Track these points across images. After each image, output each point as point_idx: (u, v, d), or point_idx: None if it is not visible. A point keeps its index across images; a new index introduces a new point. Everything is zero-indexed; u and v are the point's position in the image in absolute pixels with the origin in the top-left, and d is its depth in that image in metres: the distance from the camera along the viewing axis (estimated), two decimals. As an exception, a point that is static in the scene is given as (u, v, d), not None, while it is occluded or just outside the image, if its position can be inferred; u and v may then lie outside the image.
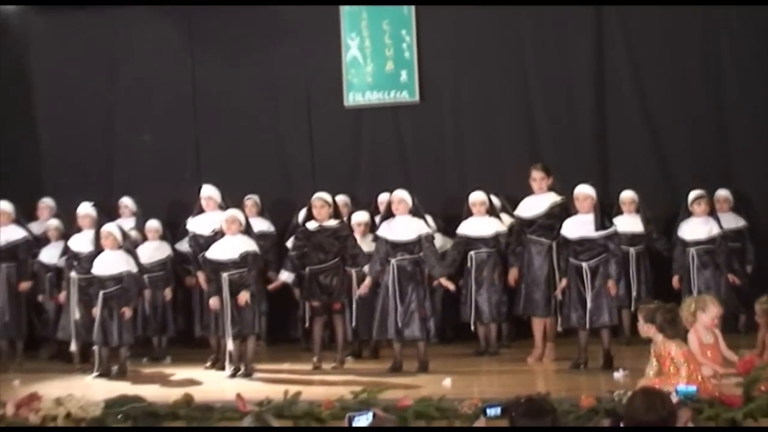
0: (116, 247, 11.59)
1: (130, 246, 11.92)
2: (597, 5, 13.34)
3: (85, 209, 12.41)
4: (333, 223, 11.58)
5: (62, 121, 14.95)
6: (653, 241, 12.32)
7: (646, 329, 8.57)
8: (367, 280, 11.23)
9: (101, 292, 11.44)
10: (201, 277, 11.90)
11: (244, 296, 10.92)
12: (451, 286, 11.20)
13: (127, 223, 12.90)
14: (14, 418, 9.05)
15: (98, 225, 12.02)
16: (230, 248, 11.17)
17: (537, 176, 11.28)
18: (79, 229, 12.39)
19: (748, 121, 12.87)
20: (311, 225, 11.56)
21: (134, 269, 11.62)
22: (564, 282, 10.67)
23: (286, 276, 11.69)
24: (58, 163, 14.84)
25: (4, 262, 12.81)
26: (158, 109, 14.63)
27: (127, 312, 11.45)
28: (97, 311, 11.45)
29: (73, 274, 12.09)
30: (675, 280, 11.92)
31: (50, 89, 15.03)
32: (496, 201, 12.22)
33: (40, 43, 15.04)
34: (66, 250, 12.44)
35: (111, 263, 11.52)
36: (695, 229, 11.94)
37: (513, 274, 11.43)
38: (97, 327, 11.45)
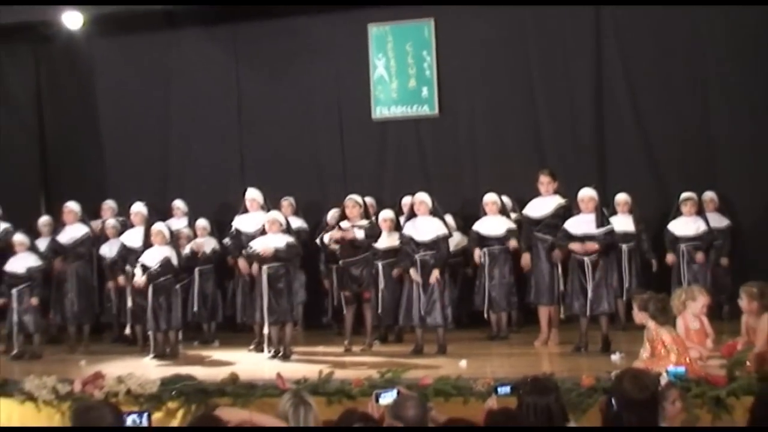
0: (164, 243, 11.63)
1: (176, 242, 12.02)
2: (596, 27, 13.35)
3: (138, 207, 12.51)
4: (363, 222, 11.62)
5: (123, 132, 15.01)
6: (642, 242, 12.30)
7: (640, 317, 8.58)
8: (396, 271, 11.38)
9: (152, 282, 11.50)
10: (242, 263, 11.95)
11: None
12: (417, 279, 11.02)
13: (180, 222, 12.96)
14: (81, 394, 9.11)
15: (149, 223, 12.10)
16: (272, 245, 11.23)
17: (544, 180, 11.28)
18: (132, 226, 12.48)
19: (731, 130, 12.82)
20: (344, 223, 11.59)
21: (175, 261, 11.67)
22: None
23: None
24: (119, 169, 14.89)
25: (72, 257, 12.89)
26: (207, 121, 14.64)
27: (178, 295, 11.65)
28: (148, 300, 11.55)
29: (128, 267, 12.16)
30: (669, 257, 12.01)
31: (113, 104, 15.10)
32: (507, 201, 12.24)
33: (104, 64, 15.10)
34: (121, 246, 12.52)
35: (158, 256, 11.57)
36: (684, 226, 11.99)
37: (525, 259, 11.39)
38: (149, 313, 11.50)
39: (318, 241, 12.26)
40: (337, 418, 6.05)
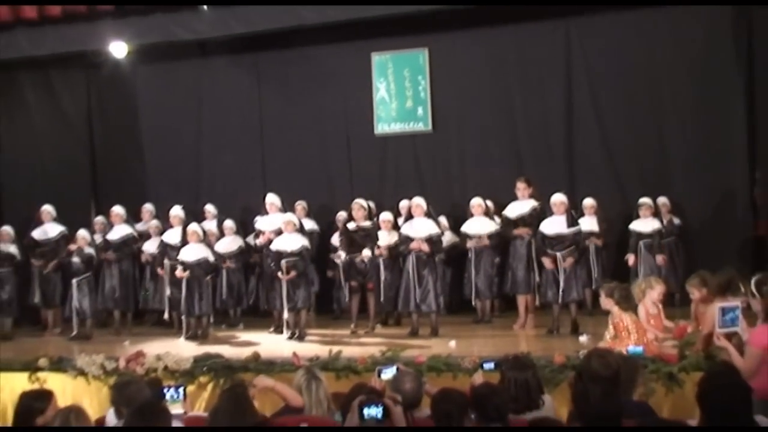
0: (198, 241, 11.67)
1: (208, 241, 12.04)
2: (567, 56, 13.36)
3: (176, 211, 12.49)
4: (367, 223, 11.63)
5: (161, 145, 15.04)
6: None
7: (606, 303, 8.57)
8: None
9: (185, 272, 11.55)
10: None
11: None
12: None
13: (210, 224, 12.94)
14: (125, 370, 9.13)
15: (185, 224, 12.12)
16: (288, 242, 11.24)
17: (521, 186, 11.39)
18: (171, 227, 12.49)
19: (682, 144, 12.81)
20: (351, 225, 11.61)
21: (211, 257, 11.69)
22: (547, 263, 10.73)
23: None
24: (157, 177, 14.92)
25: (117, 252, 12.92)
26: (233, 136, 14.64)
27: (209, 285, 11.65)
28: (183, 289, 11.55)
29: (166, 261, 12.17)
30: (630, 259, 11.97)
31: (152, 121, 15.12)
32: (490, 204, 12.23)
33: (145, 87, 15.13)
34: (162, 243, 12.53)
35: (194, 253, 11.60)
36: (642, 226, 11.99)
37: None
38: (183, 301, 11.53)
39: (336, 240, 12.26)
40: (349, 390, 6.07)
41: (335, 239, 12.21)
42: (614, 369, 5.68)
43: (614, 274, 11.27)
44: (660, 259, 11.86)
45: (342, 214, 12.58)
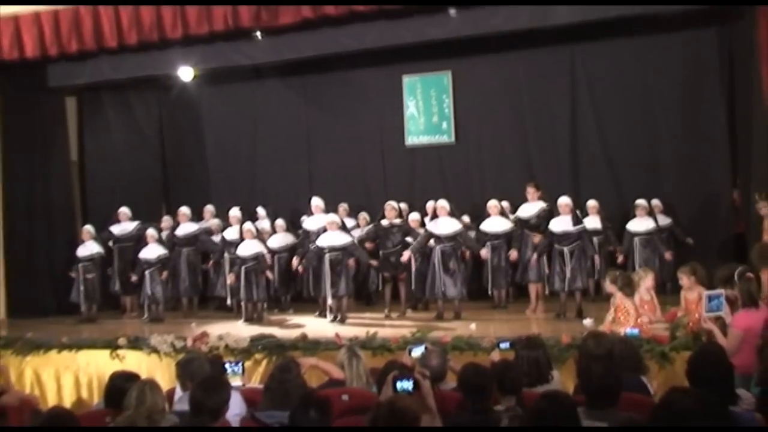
0: (253, 237, 11.73)
1: (261, 237, 12.08)
2: (572, 78, 13.31)
3: (234, 212, 12.62)
4: (398, 221, 11.64)
5: (222, 155, 15.11)
6: (609, 236, 12.19)
7: (610, 288, 8.60)
8: (407, 254, 11.12)
9: (243, 266, 11.58)
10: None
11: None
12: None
13: (263, 223, 13.00)
14: (192, 348, 9.22)
15: (241, 223, 12.25)
16: (332, 240, 11.28)
17: (530, 191, 11.49)
18: (229, 225, 12.57)
19: (672, 153, 12.73)
20: (384, 222, 11.62)
21: (264, 252, 11.73)
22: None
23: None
24: (218, 183, 14.98)
25: (185, 247, 13.00)
26: (283, 147, 14.65)
27: (263, 275, 11.64)
28: (242, 278, 11.59)
29: (226, 254, 12.23)
30: (620, 258, 11.90)
31: (215, 135, 15.19)
32: (505, 205, 12.20)
33: (208, 104, 15.20)
34: (222, 239, 12.63)
35: (249, 248, 11.65)
36: (638, 225, 11.91)
37: (513, 255, 11.47)
38: (242, 288, 11.59)
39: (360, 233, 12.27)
40: (383, 366, 6.07)
41: (358, 232, 12.23)
42: (607, 348, 5.70)
43: (614, 266, 11.19)
44: (668, 255, 11.77)
45: (363, 214, 12.83)
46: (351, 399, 5.75)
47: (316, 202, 12.33)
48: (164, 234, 13.02)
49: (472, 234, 11.79)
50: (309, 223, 12.33)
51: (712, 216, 12.34)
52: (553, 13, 10.83)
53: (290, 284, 12.84)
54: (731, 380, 4.82)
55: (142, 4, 11.54)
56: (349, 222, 12.51)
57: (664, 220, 12.17)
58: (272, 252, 12.23)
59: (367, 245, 11.98)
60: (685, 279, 8.73)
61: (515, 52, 13.18)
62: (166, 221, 13.49)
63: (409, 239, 11.56)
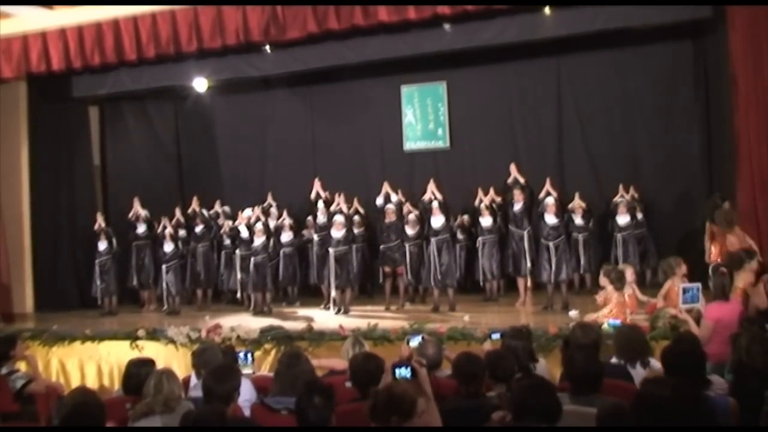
0: (262, 235, 11.76)
1: (270, 233, 12.09)
2: (557, 87, 13.34)
3: (246, 213, 12.58)
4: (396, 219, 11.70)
5: (233, 160, 15.13)
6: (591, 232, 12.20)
7: (603, 281, 8.65)
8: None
9: (252, 260, 11.59)
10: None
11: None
12: None
13: (272, 221, 12.98)
14: (206, 339, 9.23)
15: (251, 222, 12.20)
16: (336, 234, 11.30)
17: (516, 193, 11.48)
18: (240, 223, 12.56)
19: (651, 156, 12.76)
20: (387, 221, 11.69)
21: (271, 247, 11.78)
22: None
23: None
24: (230, 185, 14.96)
25: (200, 243, 12.99)
26: (291, 152, 14.64)
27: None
28: (251, 273, 11.61)
29: (237, 251, 12.24)
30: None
31: (227, 141, 15.24)
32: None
33: (221, 114, 15.22)
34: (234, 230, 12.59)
35: (259, 242, 11.70)
36: (619, 221, 11.90)
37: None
38: (251, 282, 11.61)
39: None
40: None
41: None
42: (593, 338, 5.70)
43: (600, 262, 11.17)
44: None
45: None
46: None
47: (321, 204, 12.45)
48: (180, 232, 13.05)
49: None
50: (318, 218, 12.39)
51: (687, 214, 12.23)
52: (540, 27, 10.88)
53: (297, 276, 12.82)
54: (703, 367, 4.83)
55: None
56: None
57: (643, 217, 12.17)
58: (281, 246, 12.28)
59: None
60: (661, 273, 8.79)
61: (505, 63, 13.19)
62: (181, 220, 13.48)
63: (408, 230, 11.56)
